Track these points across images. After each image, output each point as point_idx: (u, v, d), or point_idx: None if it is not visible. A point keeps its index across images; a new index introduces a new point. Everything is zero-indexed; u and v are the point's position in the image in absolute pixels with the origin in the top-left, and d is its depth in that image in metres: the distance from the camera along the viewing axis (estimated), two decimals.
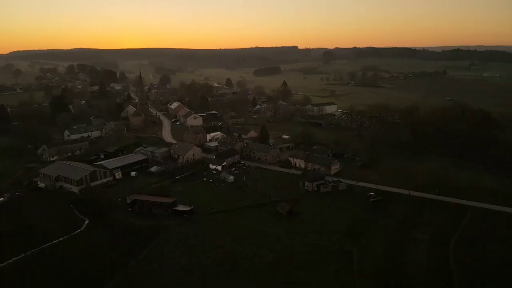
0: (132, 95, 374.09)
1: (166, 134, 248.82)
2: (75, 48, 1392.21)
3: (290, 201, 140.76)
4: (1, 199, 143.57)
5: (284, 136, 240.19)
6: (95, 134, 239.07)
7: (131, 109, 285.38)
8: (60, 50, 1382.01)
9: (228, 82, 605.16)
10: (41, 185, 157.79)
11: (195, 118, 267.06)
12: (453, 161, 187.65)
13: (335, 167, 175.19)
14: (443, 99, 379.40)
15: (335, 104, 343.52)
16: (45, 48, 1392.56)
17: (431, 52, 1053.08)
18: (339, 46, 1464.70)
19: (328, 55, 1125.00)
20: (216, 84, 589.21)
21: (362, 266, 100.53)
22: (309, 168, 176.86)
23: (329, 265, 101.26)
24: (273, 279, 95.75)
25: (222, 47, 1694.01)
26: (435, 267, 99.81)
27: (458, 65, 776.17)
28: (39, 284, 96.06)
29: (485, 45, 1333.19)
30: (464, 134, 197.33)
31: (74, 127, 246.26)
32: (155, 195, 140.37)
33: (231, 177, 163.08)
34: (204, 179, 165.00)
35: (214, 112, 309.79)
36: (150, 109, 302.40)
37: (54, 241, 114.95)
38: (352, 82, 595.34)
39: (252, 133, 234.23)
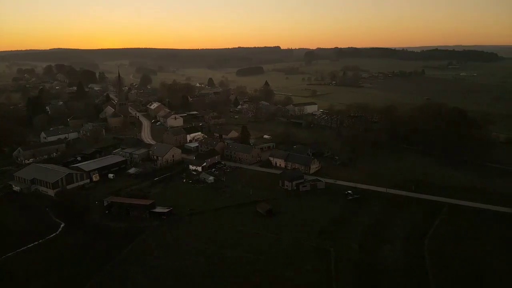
0: (111, 95, 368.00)
1: (146, 135, 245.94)
2: (54, 48, 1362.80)
3: (269, 200, 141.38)
4: None
5: (265, 136, 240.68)
6: (72, 136, 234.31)
7: (109, 110, 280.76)
8: (39, 50, 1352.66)
9: (210, 82, 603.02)
10: (16, 188, 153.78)
11: (175, 118, 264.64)
12: (429, 159, 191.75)
13: (314, 166, 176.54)
14: (421, 98, 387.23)
15: (316, 104, 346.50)
16: (24, 49, 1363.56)
17: (410, 52, 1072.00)
18: (321, 47, 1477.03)
19: (310, 55, 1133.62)
20: (198, 84, 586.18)
21: (339, 263, 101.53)
22: (289, 168, 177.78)
23: (307, 263, 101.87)
24: (250, 278, 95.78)
25: (205, 47, 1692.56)
26: (411, 264, 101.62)
27: (436, 64, 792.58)
28: None
29: (463, 45, 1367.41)
30: (440, 133, 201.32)
31: (51, 128, 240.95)
32: (133, 197, 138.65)
33: (211, 177, 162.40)
34: (184, 180, 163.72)
35: (195, 112, 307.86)
36: (129, 109, 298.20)
37: (29, 245, 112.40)
38: (333, 82, 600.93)
39: (233, 133, 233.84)
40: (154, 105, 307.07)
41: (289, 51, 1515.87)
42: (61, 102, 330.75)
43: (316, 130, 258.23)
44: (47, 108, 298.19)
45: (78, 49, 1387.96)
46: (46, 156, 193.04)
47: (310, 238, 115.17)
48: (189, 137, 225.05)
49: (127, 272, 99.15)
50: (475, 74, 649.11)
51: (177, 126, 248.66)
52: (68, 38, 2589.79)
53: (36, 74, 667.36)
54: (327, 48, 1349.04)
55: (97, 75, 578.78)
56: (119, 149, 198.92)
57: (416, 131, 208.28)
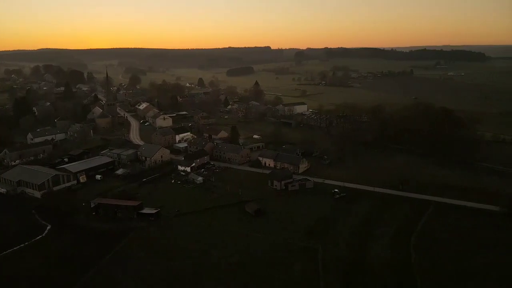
0: (100, 96, 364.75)
1: (134, 135, 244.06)
2: (43, 49, 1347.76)
3: (258, 200, 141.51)
4: None
5: (255, 136, 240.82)
6: (59, 137, 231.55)
7: (97, 110, 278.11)
8: (27, 50, 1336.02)
9: (200, 82, 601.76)
10: (2, 190, 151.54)
11: (164, 119, 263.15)
12: (417, 158, 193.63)
13: (303, 166, 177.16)
14: (409, 98, 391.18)
15: (305, 104, 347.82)
16: (11, 49, 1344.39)
17: (399, 52, 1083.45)
18: (311, 47, 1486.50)
19: (300, 56, 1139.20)
20: (188, 84, 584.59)
21: (326, 262, 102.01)
22: (278, 167, 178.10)
23: (294, 262, 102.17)
24: (237, 279, 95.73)
25: (195, 47, 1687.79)
26: (397, 262, 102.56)
27: (425, 64, 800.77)
28: None
29: (451, 45, 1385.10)
30: (427, 132, 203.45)
31: (38, 130, 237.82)
32: (120, 198, 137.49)
33: (200, 178, 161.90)
34: (172, 181, 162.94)
35: (184, 112, 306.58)
36: (118, 110, 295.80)
37: (15, 248, 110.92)
38: (323, 82, 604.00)
39: (223, 134, 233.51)
40: (143, 106, 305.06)
41: (280, 51, 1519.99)
42: (48, 103, 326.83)
43: (306, 130, 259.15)
44: (34, 109, 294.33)
45: (67, 49, 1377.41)
46: (32, 158, 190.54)
47: (298, 237, 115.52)
48: (178, 137, 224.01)
49: (113, 274, 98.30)
50: (462, 74, 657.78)
51: (166, 127, 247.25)
52: (57, 38, 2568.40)
53: (24, 74, 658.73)
54: (317, 48, 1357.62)
55: (85, 75, 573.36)
56: (107, 150, 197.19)
57: (404, 130, 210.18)
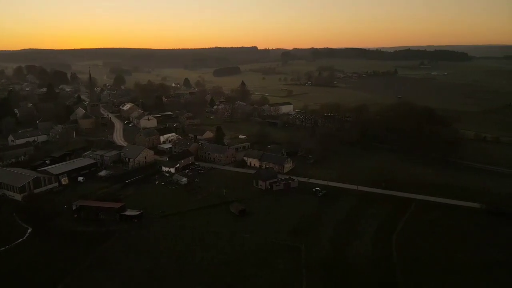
0: (83, 96, 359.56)
1: (118, 136, 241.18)
2: (26, 49, 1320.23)
3: (243, 200, 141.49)
4: None
5: (241, 136, 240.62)
6: (41, 138, 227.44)
7: (80, 111, 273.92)
8: (9, 51, 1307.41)
9: (186, 82, 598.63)
10: None
11: (148, 119, 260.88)
12: (399, 156, 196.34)
13: (288, 165, 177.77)
14: (393, 98, 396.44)
15: (291, 104, 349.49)
16: None
17: (384, 53, 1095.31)
18: (297, 47, 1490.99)
19: (287, 56, 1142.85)
20: (173, 85, 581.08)
21: (309, 261, 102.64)
22: (263, 167, 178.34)
23: (278, 261, 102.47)
24: (221, 279, 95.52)
25: (181, 47, 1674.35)
26: (379, 259, 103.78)
27: (409, 64, 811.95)
28: None
29: (434, 45, 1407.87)
30: (410, 131, 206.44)
31: (19, 131, 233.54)
32: (103, 200, 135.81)
33: (184, 179, 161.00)
34: (156, 182, 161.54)
35: (169, 113, 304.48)
36: (101, 111, 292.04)
37: None
38: (309, 82, 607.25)
39: (208, 134, 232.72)
40: (127, 106, 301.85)
41: (266, 51, 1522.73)
42: (30, 104, 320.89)
43: (291, 130, 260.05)
44: (16, 110, 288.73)
45: (51, 49, 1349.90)
46: (13, 160, 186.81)
47: (282, 236, 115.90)
48: (162, 138, 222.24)
49: (94, 276, 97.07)
50: (445, 74, 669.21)
51: (151, 127, 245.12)
52: (41, 38, 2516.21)
53: (6, 75, 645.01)
54: (303, 49, 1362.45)
55: (69, 76, 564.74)
56: (90, 151, 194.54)
57: (387, 129, 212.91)
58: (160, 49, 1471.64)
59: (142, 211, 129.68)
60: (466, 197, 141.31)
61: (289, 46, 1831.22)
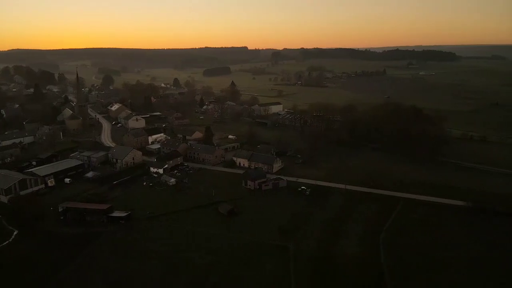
0: (71, 97, 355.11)
1: (106, 137, 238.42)
2: (13, 49, 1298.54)
3: (232, 201, 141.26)
4: None
5: (230, 136, 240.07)
6: (28, 139, 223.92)
7: (67, 112, 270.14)
8: None
9: (176, 82, 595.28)
10: None
11: (137, 120, 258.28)
12: (387, 155, 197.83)
13: (277, 165, 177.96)
14: (382, 97, 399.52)
15: (281, 104, 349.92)
16: None
17: (372, 53, 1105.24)
18: (287, 47, 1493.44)
19: (277, 56, 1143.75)
20: (163, 85, 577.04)
21: (297, 260, 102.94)
22: (252, 167, 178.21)
23: (266, 261, 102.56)
24: (209, 279, 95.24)
25: (171, 47, 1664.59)
26: (367, 258, 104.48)
27: (397, 64, 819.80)
28: None
29: (423, 45, 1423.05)
30: (398, 130, 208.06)
31: (6, 132, 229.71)
32: (90, 202, 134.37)
33: (173, 179, 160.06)
34: (144, 183, 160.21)
35: (158, 113, 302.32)
36: (89, 111, 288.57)
37: None
38: (299, 82, 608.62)
39: (197, 134, 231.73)
40: (115, 107, 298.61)
41: (256, 51, 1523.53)
42: (17, 105, 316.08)
43: (281, 130, 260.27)
44: (2, 111, 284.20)
45: (39, 50, 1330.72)
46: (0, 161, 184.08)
47: (271, 236, 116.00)
48: (151, 138, 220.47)
49: (81, 279, 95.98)
50: (433, 73, 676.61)
51: (139, 128, 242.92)
52: (28, 38, 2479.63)
53: None
54: (293, 49, 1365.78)
55: (56, 76, 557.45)
56: (77, 152, 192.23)
57: (375, 129, 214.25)
58: (150, 49, 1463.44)
59: (129, 212, 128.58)
60: (452, 195, 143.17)
61: (279, 46, 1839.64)
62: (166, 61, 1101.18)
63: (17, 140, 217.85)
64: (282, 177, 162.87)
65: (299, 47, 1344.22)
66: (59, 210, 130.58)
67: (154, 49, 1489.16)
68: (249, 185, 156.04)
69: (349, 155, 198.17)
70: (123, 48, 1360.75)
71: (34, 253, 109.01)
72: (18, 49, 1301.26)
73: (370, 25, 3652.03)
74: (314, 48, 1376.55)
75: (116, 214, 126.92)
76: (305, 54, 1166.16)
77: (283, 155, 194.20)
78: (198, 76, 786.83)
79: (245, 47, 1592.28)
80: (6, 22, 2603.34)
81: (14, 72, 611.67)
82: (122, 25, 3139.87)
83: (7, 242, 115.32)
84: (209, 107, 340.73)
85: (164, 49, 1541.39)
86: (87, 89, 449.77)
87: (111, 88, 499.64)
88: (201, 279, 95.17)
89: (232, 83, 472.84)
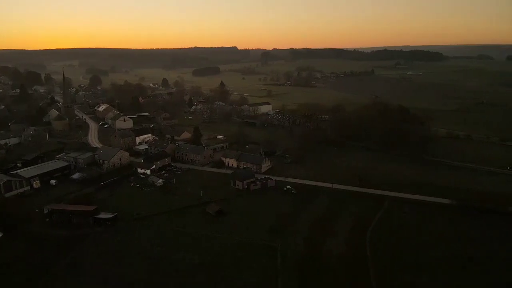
0: (57, 98, 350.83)
1: (92, 138, 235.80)
2: (1, 50, 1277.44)
3: (220, 201, 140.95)
4: None
5: (219, 137, 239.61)
6: (13, 141, 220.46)
7: (54, 113, 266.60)
8: None
9: (165, 82, 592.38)
10: None
11: (124, 120, 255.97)
12: (375, 155, 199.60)
13: (266, 165, 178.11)
14: (370, 97, 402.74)
15: (270, 104, 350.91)
16: None
17: (361, 53, 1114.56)
18: (277, 47, 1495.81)
19: (267, 56, 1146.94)
20: (151, 85, 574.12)
21: (285, 260, 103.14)
22: (241, 167, 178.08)
23: (254, 262, 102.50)
24: (197, 280, 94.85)
25: (160, 47, 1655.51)
26: (353, 256, 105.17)
27: (385, 64, 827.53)
28: None
29: (410, 45, 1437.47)
30: (386, 130, 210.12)
31: None
32: (76, 203, 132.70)
33: (160, 180, 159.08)
34: (131, 184, 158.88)
35: (146, 113, 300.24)
36: (76, 112, 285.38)
37: None
38: (288, 82, 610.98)
39: (186, 135, 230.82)
40: (102, 107, 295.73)
41: (246, 51, 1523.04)
42: (2, 106, 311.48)
43: (270, 130, 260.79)
44: None
45: (25, 50, 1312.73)
46: None
47: (259, 236, 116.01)
48: (138, 139, 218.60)
49: (66, 281, 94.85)
50: (421, 73, 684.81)
51: (126, 128, 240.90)
52: (14, 39, 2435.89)
53: None
54: (282, 49, 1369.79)
55: (43, 76, 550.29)
56: (63, 153, 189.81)
57: (363, 128, 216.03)
58: (138, 49, 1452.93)
59: (116, 213, 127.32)
60: (438, 193, 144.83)
61: (269, 46, 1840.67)
62: (155, 61, 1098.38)
63: (2, 142, 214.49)
64: (271, 177, 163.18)
65: (288, 47, 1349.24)
66: (45, 212, 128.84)
67: (143, 49, 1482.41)
68: (238, 185, 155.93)
69: (338, 154, 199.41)
70: (111, 48, 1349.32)
71: (19, 255, 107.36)
72: (4, 49, 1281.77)
73: (359, 26, 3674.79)
74: (303, 48, 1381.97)
75: (103, 215, 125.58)
76: (294, 54, 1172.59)
77: (272, 155, 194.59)
78: (188, 76, 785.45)
79: (235, 47, 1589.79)
80: None
81: (0, 73, 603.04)
82: (110, 25, 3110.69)
83: None
84: (198, 107, 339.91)
85: (152, 49, 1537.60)
86: (74, 89, 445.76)
87: (99, 89, 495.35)
88: (189, 280, 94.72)
89: (222, 83, 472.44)
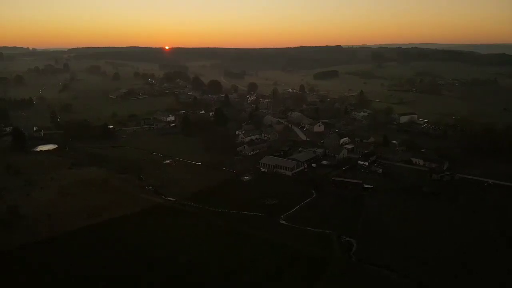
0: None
1: (302, 138, 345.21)
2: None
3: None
4: None
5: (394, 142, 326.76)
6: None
7: (269, 118, 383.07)
8: None
9: (302, 88, 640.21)
10: None
11: (319, 125, 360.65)
12: None
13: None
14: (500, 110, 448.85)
15: (416, 114, 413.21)
16: None
17: (477, 56, 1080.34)
18: (382, 43, 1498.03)
19: (376, 56, 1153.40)
20: (290, 90, 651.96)
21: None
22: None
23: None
24: None
25: (269, 46, 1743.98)
26: None
27: (505, 71, 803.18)
28: None
29: None
30: None
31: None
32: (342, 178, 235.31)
33: (380, 170, 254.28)
34: (362, 170, 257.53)
35: (327, 120, 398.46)
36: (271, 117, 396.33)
37: None
38: (413, 88, 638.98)
39: (371, 139, 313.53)
40: (296, 114, 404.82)
41: (351, 50, 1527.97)
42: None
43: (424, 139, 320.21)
44: None
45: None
46: None
47: None
48: (341, 141, 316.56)
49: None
50: None
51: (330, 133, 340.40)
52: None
53: None
54: (389, 47, 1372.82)
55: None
56: (301, 148, 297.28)
57: None
58: (254, 49, 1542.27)
59: (373, 186, 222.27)
60: None
61: (372, 42, 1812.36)
62: (269, 63, 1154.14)
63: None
64: None
65: (393, 43, 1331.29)
66: (330, 181, 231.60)
67: (259, 49, 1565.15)
68: None
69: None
70: (233, 48, 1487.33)
71: (331, 206, 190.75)
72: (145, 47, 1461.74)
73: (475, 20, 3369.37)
74: (412, 47, 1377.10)
75: (366, 186, 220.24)
76: (405, 55, 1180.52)
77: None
78: (309, 79, 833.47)
79: (339, 46, 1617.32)
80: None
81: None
82: (227, 24, 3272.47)
83: (310, 199, 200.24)
84: (361, 114, 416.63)
85: (265, 48, 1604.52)
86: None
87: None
88: None
89: (361, 91, 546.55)
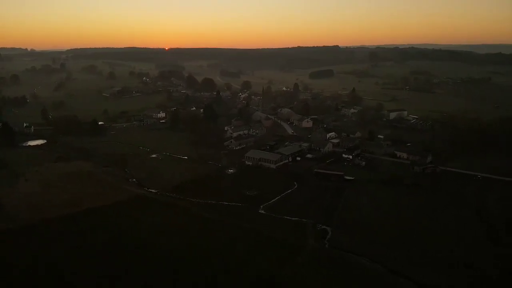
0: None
1: (289, 132, 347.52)
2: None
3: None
4: None
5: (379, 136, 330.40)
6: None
7: (259, 114, 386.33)
8: None
9: (296, 87, 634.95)
10: None
11: (307, 121, 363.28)
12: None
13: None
14: (492, 107, 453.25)
15: (406, 110, 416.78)
16: None
17: (474, 56, 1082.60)
18: (380, 44, 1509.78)
19: (374, 57, 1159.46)
20: (284, 88, 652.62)
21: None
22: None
23: None
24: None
25: (269, 46, 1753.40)
26: None
27: (501, 70, 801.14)
28: None
29: None
30: None
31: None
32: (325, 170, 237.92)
33: (364, 162, 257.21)
34: (345, 163, 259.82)
35: (315, 116, 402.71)
36: (260, 113, 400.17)
37: None
38: (407, 87, 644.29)
39: (358, 134, 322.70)
40: (285, 110, 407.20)
41: (349, 50, 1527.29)
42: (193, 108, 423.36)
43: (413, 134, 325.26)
44: None
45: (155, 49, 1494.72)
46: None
47: None
48: (327, 135, 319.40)
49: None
50: None
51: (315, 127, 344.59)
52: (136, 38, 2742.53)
53: None
54: (387, 47, 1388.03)
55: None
56: (287, 142, 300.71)
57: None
58: (252, 49, 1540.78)
59: (353, 177, 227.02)
60: None
61: (370, 43, 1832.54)
62: (267, 63, 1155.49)
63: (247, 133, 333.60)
64: None
65: (390, 44, 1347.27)
66: (313, 173, 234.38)
67: (256, 49, 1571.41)
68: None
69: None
70: (230, 48, 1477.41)
71: (311, 197, 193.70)
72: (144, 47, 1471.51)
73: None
74: (410, 47, 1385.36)
75: (347, 177, 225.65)
76: (402, 55, 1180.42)
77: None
78: (304, 79, 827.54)
79: (337, 46, 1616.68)
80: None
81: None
82: (225, 25, 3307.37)
83: (291, 190, 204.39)
84: (351, 111, 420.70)
85: (263, 48, 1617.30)
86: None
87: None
88: None
89: (354, 89, 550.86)
